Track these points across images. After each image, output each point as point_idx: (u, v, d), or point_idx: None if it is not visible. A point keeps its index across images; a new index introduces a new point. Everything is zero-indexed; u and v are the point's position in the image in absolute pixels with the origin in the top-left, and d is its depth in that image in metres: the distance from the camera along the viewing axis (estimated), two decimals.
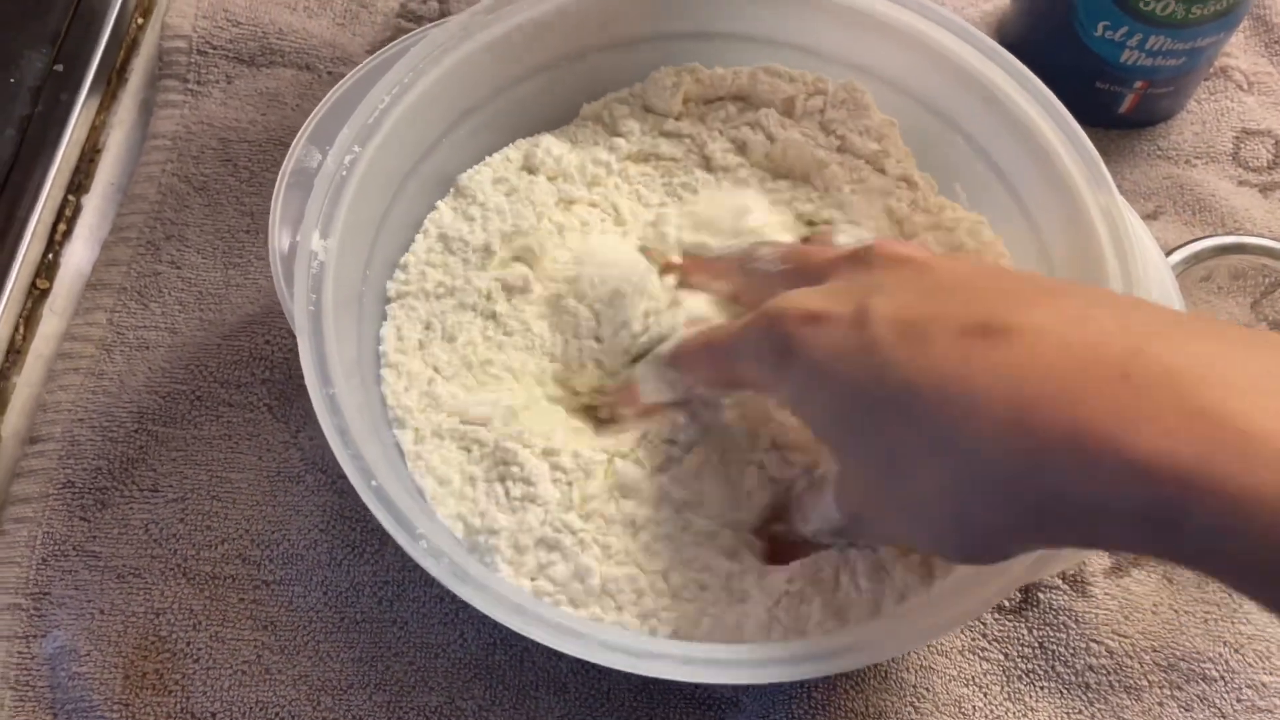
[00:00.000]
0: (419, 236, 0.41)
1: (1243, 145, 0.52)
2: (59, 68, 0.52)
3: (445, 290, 0.40)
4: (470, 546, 0.35)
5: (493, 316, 0.40)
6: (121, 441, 0.43)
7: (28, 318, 0.47)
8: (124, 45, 0.53)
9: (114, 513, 0.42)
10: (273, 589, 0.41)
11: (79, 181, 0.50)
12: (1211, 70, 0.53)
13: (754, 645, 0.32)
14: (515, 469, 0.36)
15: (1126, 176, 0.51)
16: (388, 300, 0.40)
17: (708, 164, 0.45)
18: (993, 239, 0.40)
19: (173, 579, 0.41)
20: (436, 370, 0.39)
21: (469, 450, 0.37)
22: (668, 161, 0.45)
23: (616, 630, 0.32)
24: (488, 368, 0.39)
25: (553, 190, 0.43)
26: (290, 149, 0.38)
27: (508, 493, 0.36)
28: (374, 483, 0.32)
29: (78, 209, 0.49)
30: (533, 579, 0.35)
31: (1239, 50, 0.55)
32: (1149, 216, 0.50)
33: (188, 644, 0.40)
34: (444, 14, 0.55)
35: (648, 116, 0.45)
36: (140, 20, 0.54)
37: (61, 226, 0.49)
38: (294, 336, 0.45)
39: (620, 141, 0.45)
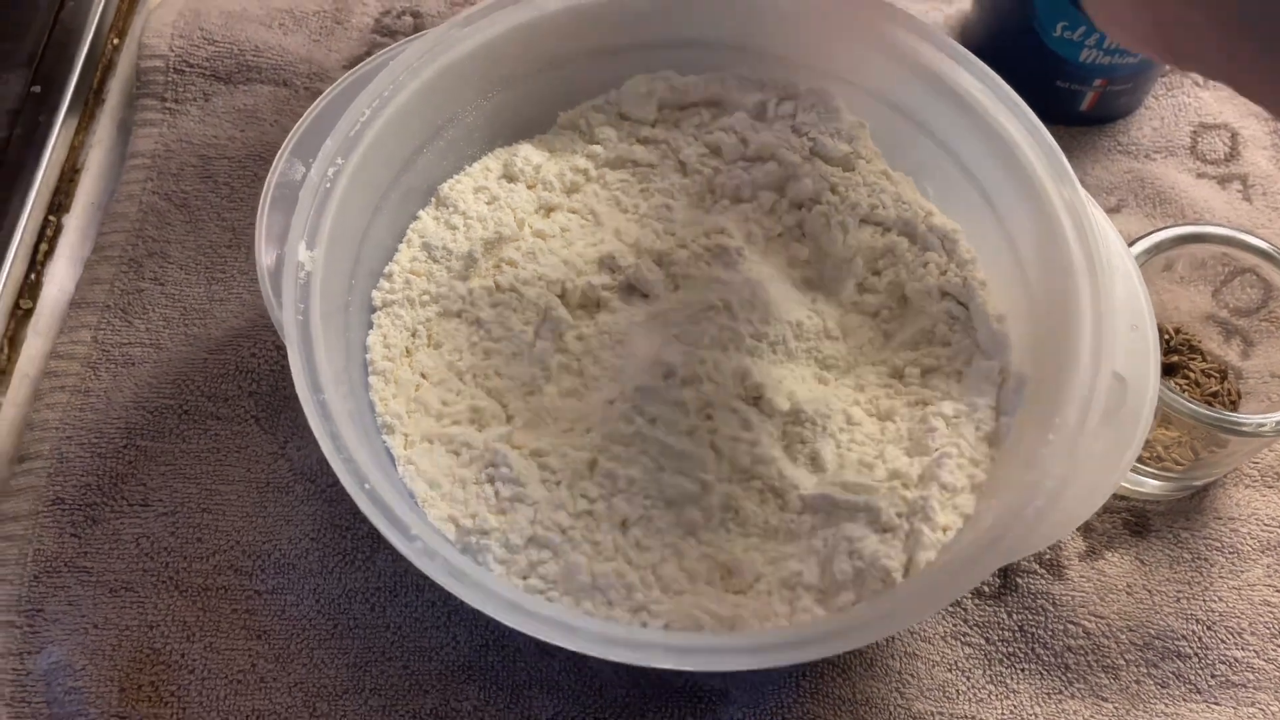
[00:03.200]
0: (402, 246, 0.42)
1: (1200, 139, 0.54)
2: (36, 89, 0.52)
3: (430, 298, 0.41)
4: (462, 547, 0.36)
5: (477, 322, 0.41)
6: (110, 457, 0.43)
7: (12, 338, 0.47)
8: (100, 65, 0.54)
9: (105, 528, 0.42)
10: (265, 598, 0.41)
11: (59, 201, 0.50)
12: (1168, 67, 0.55)
13: (744, 634, 0.33)
14: (504, 470, 0.37)
15: (1089, 172, 0.53)
16: (373, 309, 0.40)
17: (683, 169, 0.46)
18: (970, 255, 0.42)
19: (165, 592, 0.41)
20: (424, 376, 0.40)
21: (458, 454, 0.38)
22: (644, 167, 0.46)
23: (608, 623, 0.33)
24: (474, 373, 0.40)
25: (533, 198, 0.44)
26: (274, 163, 0.39)
27: (497, 494, 0.37)
28: (367, 485, 0.33)
29: (59, 229, 0.50)
30: (525, 577, 0.35)
31: None
32: (1112, 210, 0.52)
33: (182, 655, 0.40)
34: (418, 29, 0.55)
35: (623, 123, 0.46)
36: (116, 40, 0.55)
37: (43, 246, 0.49)
38: (279, 349, 0.46)
39: (597, 149, 0.46)
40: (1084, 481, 0.34)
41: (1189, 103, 0.55)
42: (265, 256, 0.37)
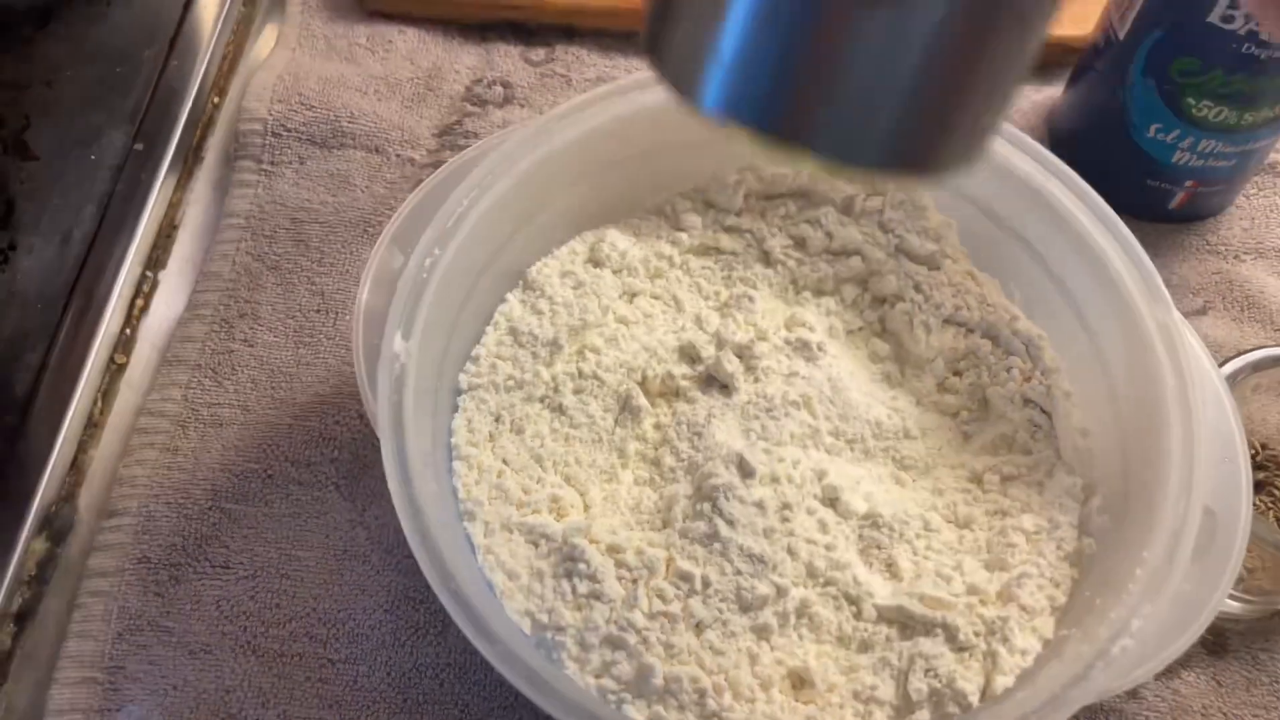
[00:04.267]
0: (490, 329, 0.43)
1: None
2: (138, 146, 0.53)
3: (514, 383, 0.42)
4: (538, 642, 0.36)
5: (559, 408, 0.42)
6: (195, 518, 0.44)
7: (105, 392, 0.48)
8: (201, 125, 0.55)
9: (187, 588, 0.43)
10: (338, 668, 0.42)
11: (156, 257, 0.52)
12: (1261, 167, 0.54)
13: None
14: (582, 565, 0.37)
15: (1175, 271, 0.52)
16: (460, 392, 0.41)
17: (767, 259, 0.46)
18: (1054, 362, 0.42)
19: (243, 656, 0.42)
20: (505, 463, 0.40)
21: (536, 545, 0.38)
22: (728, 255, 0.46)
23: None
24: (554, 460, 0.41)
25: (617, 283, 0.45)
26: (373, 250, 0.40)
27: (574, 589, 0.37)
28: (452, 584, 0.33)
29: (155, 285, 0.51)
30: (597, 676, 0.36)
31: None
32: (1198, 312, 0.51)
33: None
34: (508, 99, 0.56)
35: (709, 211, 0.47)
36: (216, 100, 0.57)
37: (139, 302, 0.50)
38: (362, 417, 0.47)
39: (682, 235, 0.46)
40: (1171, 619, 0.33)
41: None
42: (361, 343, 0.38)
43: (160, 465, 0.46)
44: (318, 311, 0.50)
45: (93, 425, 0.47)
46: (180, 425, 0.47)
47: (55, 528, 0.45)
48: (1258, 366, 0.41)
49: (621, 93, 0.42)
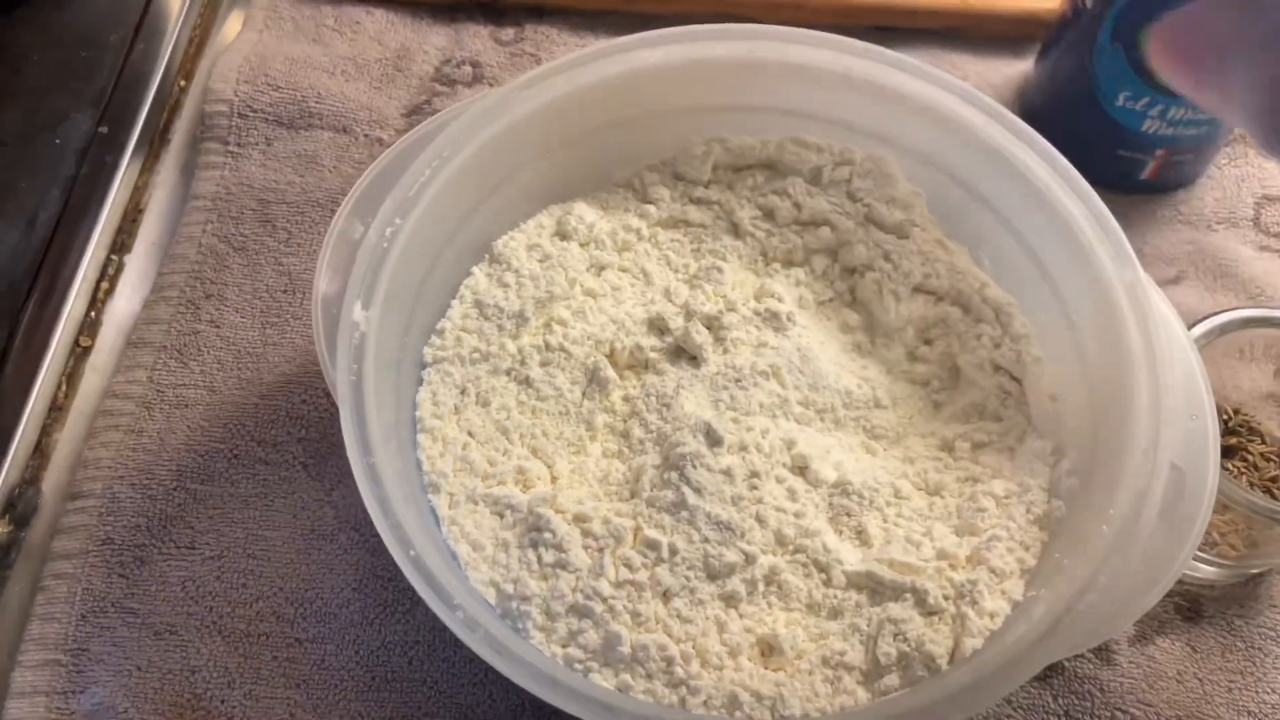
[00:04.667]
0: (455, 302, 0.42)
1: (1263, 211, 0.53)
2: (104, 129, 0.53)
3: (480, 355, 0.41)
4: (503, 612, 0.36)
5: (525, 381, 0.41)
6: (160, 499, 0.44)
7: (70, 375, 0.48)
8: (167, 107, 0.55)
9: (152, 569, 0.43)
10: (305, 647, 0.41)
11: (122, 241, 0.51)
12: (1232, 137, 0.54)
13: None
14: (547, 535, 0.37)
15: (1149, 241, 0.52)
16: (424, 365, 0.41)
17: (736, 230, 0.46)
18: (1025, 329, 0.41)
19: (209, 636, 0.41)
20: (470, 435, 0.40)
21: (501, 516, 0.38)
22: (697, 228, 0.46)
23: (651, 704, 0.33)
24: (520, 432, 0.40)
25: (585, 256, 0.44)
26: (333, 221, 0.39)
27: (540, 559, 0.37)
28: (412, 552, 0.33)
29: (120, 267, 0.51)
30: (564, 646, 0.35)
31: None
32: (1171, 282, 0.51)
33: (222, 702, 0.40)
34: (477, 79, 0.56)
35: (678, 184, 0.46)
36: (183, 83, 0.56)
37: (104, 285, 0.50)
38: (329, 397, 0.46)
39: (650, 208, 0.46)
40: (1139, 576, 0.33)
41: (1253, 173, 0.54)
42: (320, 314, 0.38)
43: (125, 447, 0.45)
44: (284, 292, 0.49)
45: (57, 408, 0.47)
46: (145, 407, 0.46)
47: (19, 511, 0.44)
48: (1225, 329, 0.41)
49: (584, 62, 0.42)
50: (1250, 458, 0.44)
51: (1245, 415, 0.45)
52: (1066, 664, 0.41)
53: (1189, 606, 0.43)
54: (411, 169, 0.38)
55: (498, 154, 0.41)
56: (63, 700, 0.40)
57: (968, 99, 0.42)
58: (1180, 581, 0.43)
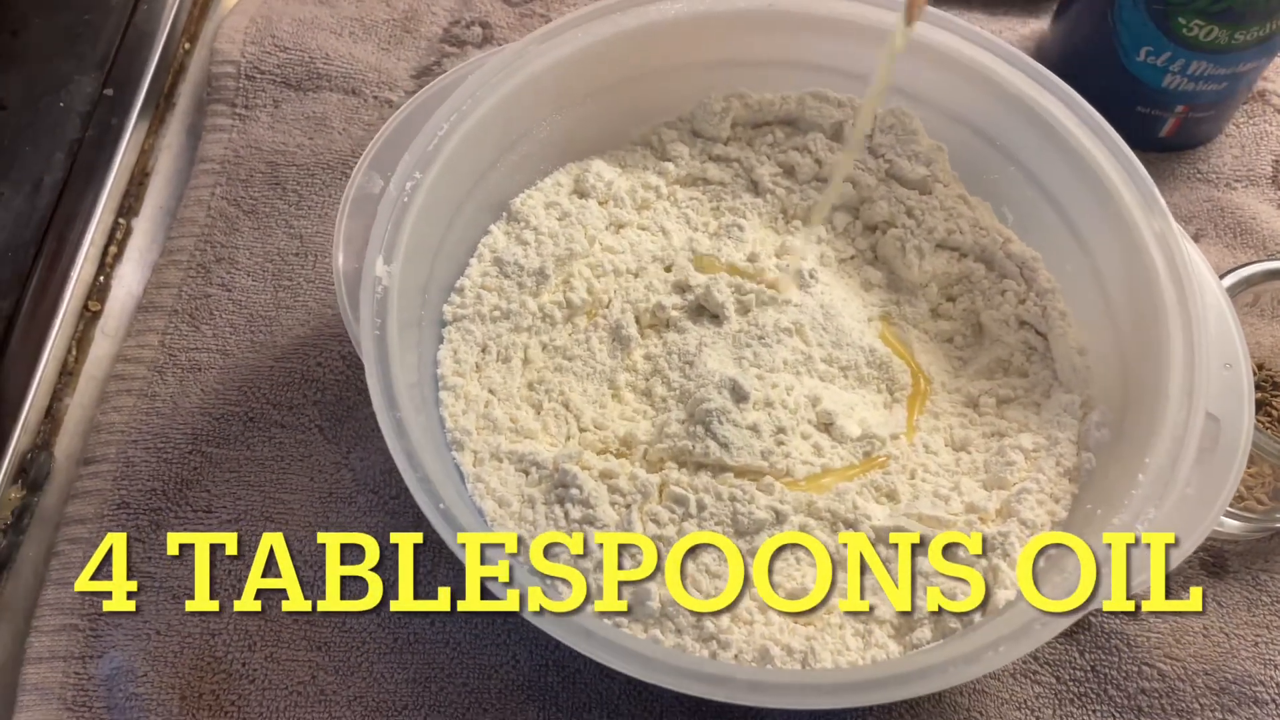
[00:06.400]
0: (474, 260, 0.42)
1: None
2: (109, 92, 0.52)
3: (500, 313, 0.41)
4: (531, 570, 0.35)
5: (548, 339, 0.41)
6: (175, 463, 0.43)
7: (80, 340, 0.47)
8: (172, 70, 0.54)
9: (169, 533, 0.42)
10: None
11: (129, 204, 0.50)
12: (1250, 95, 0.54)
13: (823, 672, 0.32)
14: (574, 491, 0.36)
15: (1168, 199, 0.50)
16: (444, 323, 0.40)
17: (755, 188, 0.45)
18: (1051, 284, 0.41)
19: (228, 600, 0.41)
20: (492, 393, 0.39)
21: (526, 473, 0.37)
22: (716, 185, 0.45)
23: (683, 655, 0.33)
24: (543, 389, 0.40)
25: (604, 214, 0.44)
26: (352, 174, 0.38)
27: (566, 515, 0.36)
28: (441, 505, 0.32)
29: (128, 232, 0.50)
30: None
31: (1278, 75, 0.55)
32: (1190, 239, 0.50)
33: (243, 665, 0.40)
34: (487, 39, 0.55)
35: (696, 141, 0.46)
36: (188, 45, 0.55)
37: (112, 249, 0.49)
38: (345, 359, 0.46)
39: (669, 166, 0.45)
40: (1175, 525, 0.33)
41: (1271, 131, 0.54)
42: (342, 268, 0.37)
43: (138, 411, 0.45)
44: (296, 255, 0.48)
45: (67, 373, 0.46)
46: (158, 371, 0.46)
47: (31, 476, 0.44)
48: (1250, 281, 0.41)
49: (601, 15, 0.41)
50: (1275, 412, 0.43)
51: (1269, 370, 0.45)
52: (1093, 618, 0.41)
53: (1214, 562, 0.43)
54: (430, 122, 0.38)
55: (515, 109, 0.41)
56: (80, 665, 0.40)
57: (988, 47, 0.41)
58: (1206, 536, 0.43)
